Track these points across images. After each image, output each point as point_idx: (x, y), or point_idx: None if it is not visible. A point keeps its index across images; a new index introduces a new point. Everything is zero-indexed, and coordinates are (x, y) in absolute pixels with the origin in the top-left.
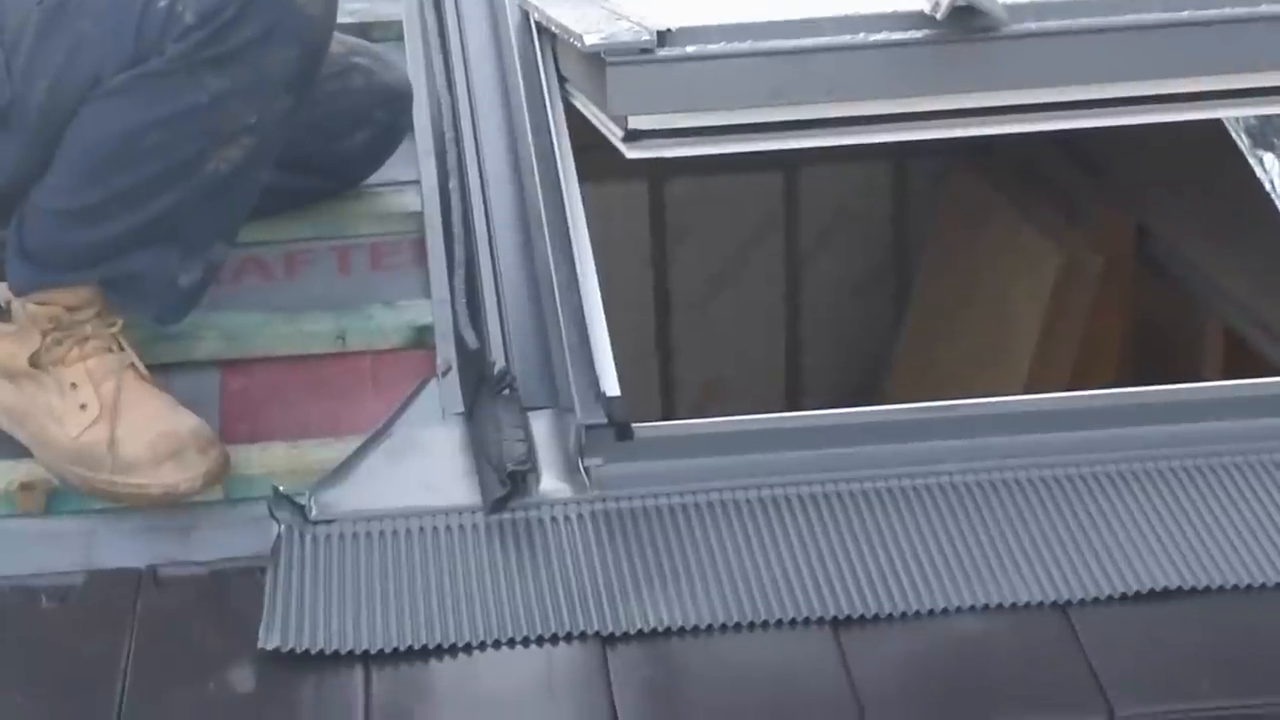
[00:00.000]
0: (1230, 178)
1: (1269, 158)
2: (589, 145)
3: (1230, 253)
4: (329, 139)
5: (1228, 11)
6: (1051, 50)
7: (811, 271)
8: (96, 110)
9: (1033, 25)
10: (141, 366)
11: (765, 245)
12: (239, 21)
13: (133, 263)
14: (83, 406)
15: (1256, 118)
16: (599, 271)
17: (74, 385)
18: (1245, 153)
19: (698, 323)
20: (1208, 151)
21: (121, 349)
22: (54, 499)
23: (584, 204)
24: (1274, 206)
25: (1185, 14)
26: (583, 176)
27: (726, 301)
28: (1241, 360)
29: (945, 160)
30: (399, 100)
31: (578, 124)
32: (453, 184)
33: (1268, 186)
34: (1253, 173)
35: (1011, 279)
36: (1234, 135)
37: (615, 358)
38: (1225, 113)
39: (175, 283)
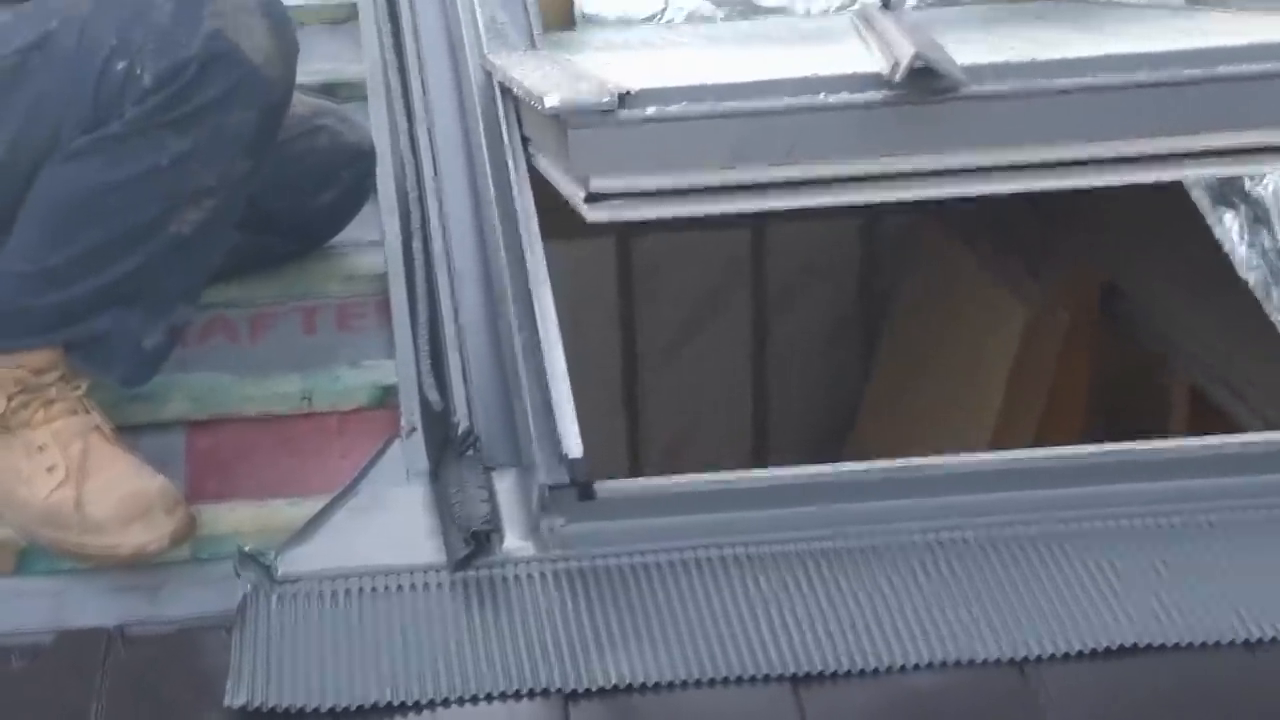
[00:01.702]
0: (1192, 235)
1: (1228, 216)
2: (555, 204)
3: (1193, 309)
4: (295, 199)
5: (1184, 73)
6: (1010, 112)
7: (779, 328)
8: (57, 173)
9: (990, 87)
10: (108, 427)
11: (733, 302)
12: (198, 84)
13: (96, 325)
14: (50, 468)
15: (1216, 177)
16: (566, 328)
17: (41, 447)
18: (1205, 212)
19: (665, 378)
20: (1171, 209)
21: (87, 411)
22: (24, 559)
23: (551, 262)
24: (1232, 265)
25: (1141, 75)
26: (550, 234)
27: (694, 357)
28: (1205, 416)
29: (912, 217)
30: (364, 160)
31: (544, 182)
32: (416, 244)
33: (1226, 246)
34: (1212, 231)
35: (978, 334)
36: (1194, 195)
37: (582, 413)
38: (1184, 174)
39: (139, 345)
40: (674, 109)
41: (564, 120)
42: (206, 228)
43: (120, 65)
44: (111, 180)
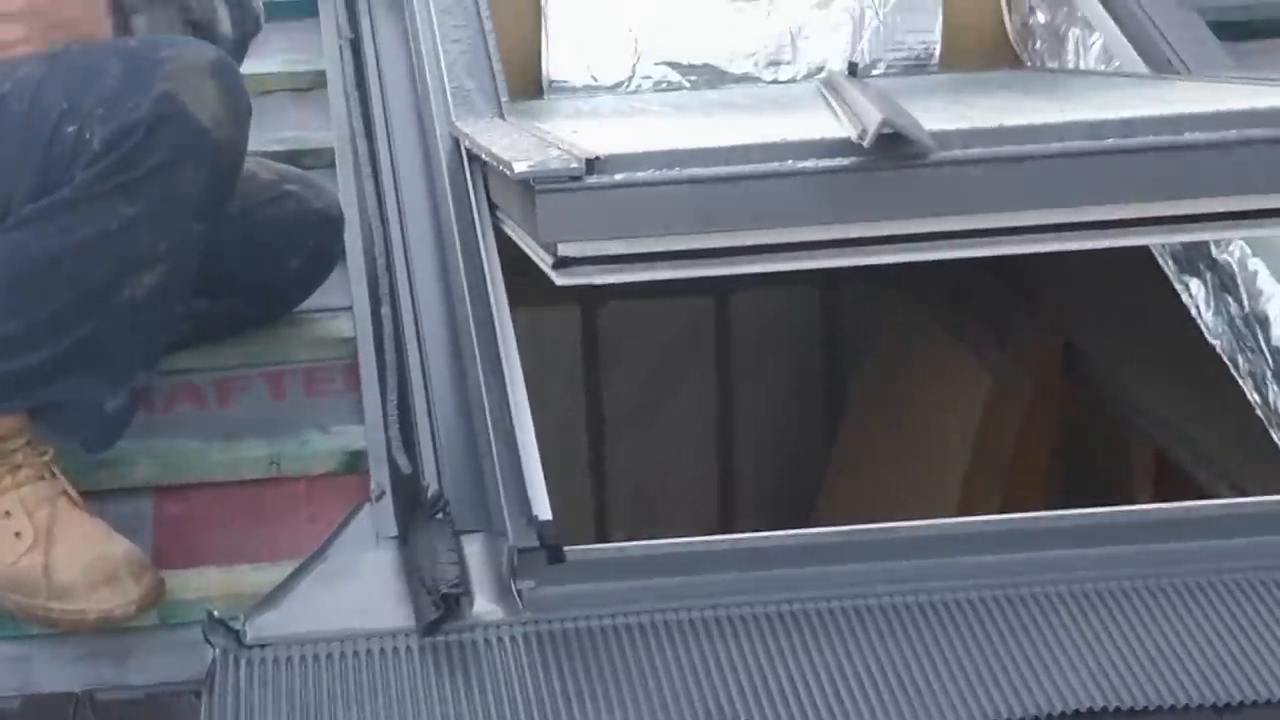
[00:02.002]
0: (1157, 302)
1: (1194, 283)
2: (521, 270)
3: (1158, 375)
4: (262, 265)
5: (1151, 140)
6: (978, 177)
7: (743, 395)
8: (9, 240)
9: (959, 153)
10: (74, 493)
11: (698, 368)
12: (146, 147)
13: (57, 392)
14: (17, 534)
15: (1182, 244)
16: (532, 395)
17: (7, 513)
18: (1171, 278)
19: (631, 446)
20: (1136, 275)
21: (54, 476)
22: None
23: (517, 329)
24: (1199, 331)
25: (1109, 142)
26: (515, 301)
27: (659, 425)
28: (1170, 481)
29: (876, 284)
30: (331, 225)
31: (510, 249)
32: (385, 310)
33: (1193, 311)
34: (1179, 297)
35: (942, 401)
36: (1160, 260)
37: (549, 480)
38: (1151, 239)
39: (101, 410)
40: (642, 175)
41: (532, 186)
42: (160, 292)
43: (70, 129)
44: (63, 246)
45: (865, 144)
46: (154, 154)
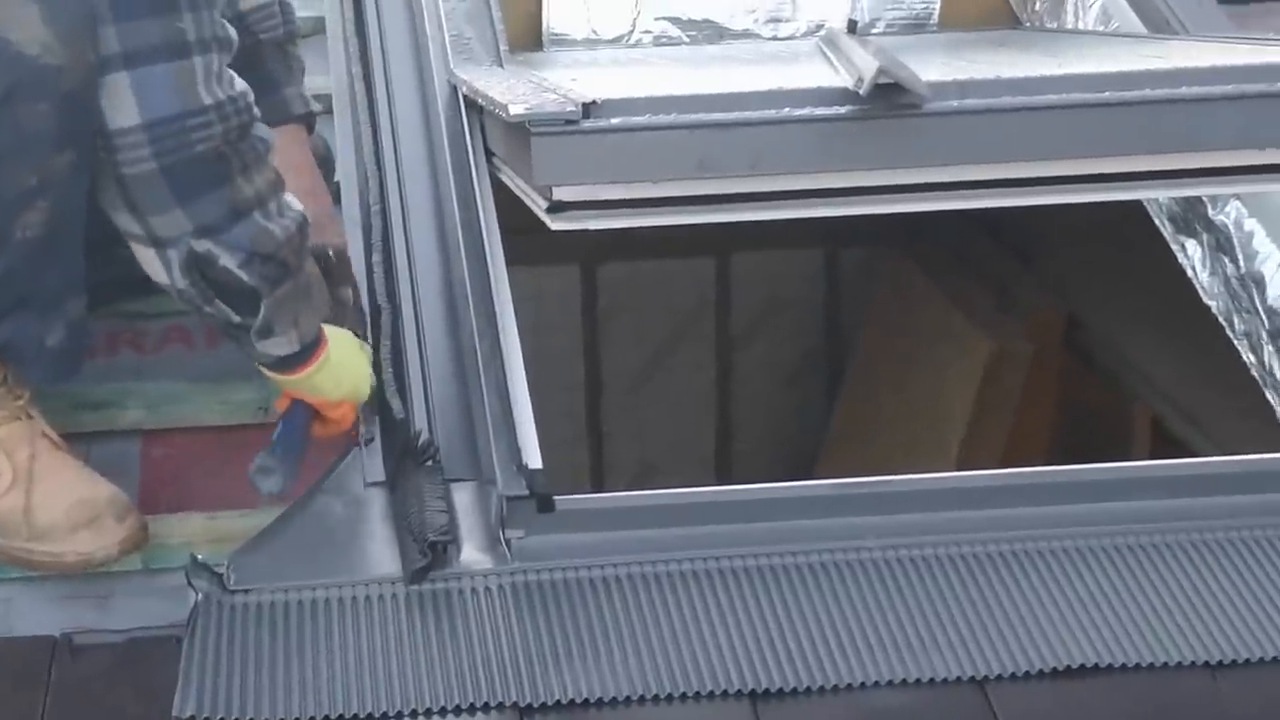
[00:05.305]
0: (1154, 266)
1: (1191, 244)
2: (521, 229)
3: (1156, 341)
4: None
5: (1148, 93)
6: (974, 128)
7: (743, 359)
8: None
9: (955, 103)
10: (55, 435)
11: (697, 332)
12: None
13: None
14: None
15: (1179, 205)
16: (530, 354)
17: None
18: (1168, 239)
19: (629, 408)
20: (1133, 239)
21: (31, 418)
22: None
23: (515, 288)
24: (1195, 293)
25: (1106, 94)
26: (515, 260)
27: (658, 387)
28: (1167, 448)
29: (877, 248)
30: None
31: (509, 207)
32: (378, 257)
33: (1189, 273)
34: (1175, 260)
35: (942, 367)
36: (1157, 222)
37: (546, 443)
38: (1147, 194)
39: (42, 344)
40: (639, 119)
41: (528, 129)
42: (54, 226)
43: None
44: None
45: (862, 92)
46: None
